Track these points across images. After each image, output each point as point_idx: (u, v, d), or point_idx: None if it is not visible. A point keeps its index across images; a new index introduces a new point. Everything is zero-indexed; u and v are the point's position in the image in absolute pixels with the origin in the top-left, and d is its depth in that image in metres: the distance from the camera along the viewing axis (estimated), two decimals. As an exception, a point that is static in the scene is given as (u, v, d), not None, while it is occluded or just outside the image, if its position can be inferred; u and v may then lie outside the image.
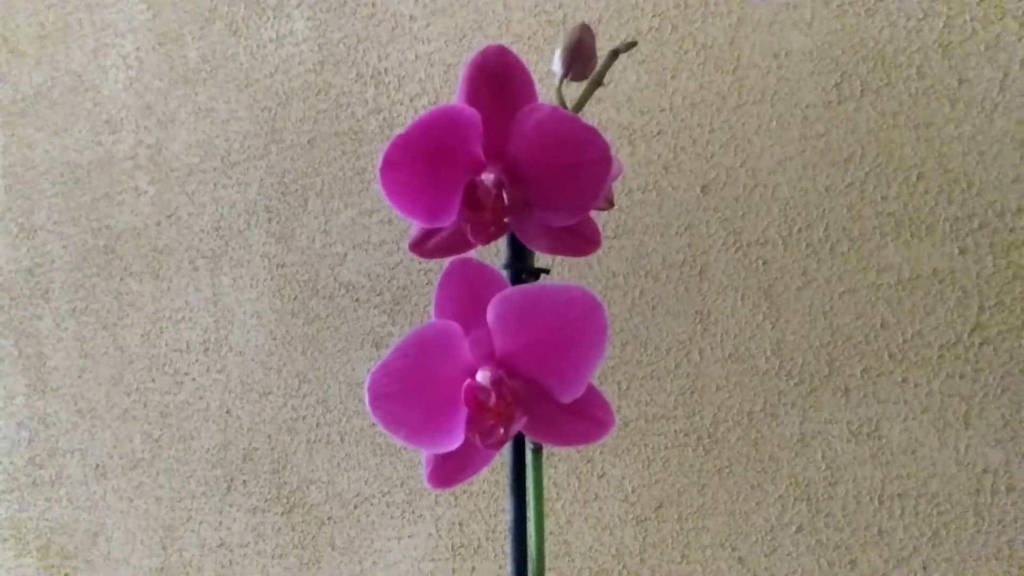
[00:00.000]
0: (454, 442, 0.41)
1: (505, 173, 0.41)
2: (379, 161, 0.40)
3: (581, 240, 0.43)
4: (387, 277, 0.92)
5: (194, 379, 0.99)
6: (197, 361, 0.99)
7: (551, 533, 0.87)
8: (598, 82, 0.44)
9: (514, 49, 0.89)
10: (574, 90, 0.50)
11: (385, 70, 0.92)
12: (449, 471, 0.43)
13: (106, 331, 1.02)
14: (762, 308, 0.81)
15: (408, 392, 0.41)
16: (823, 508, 0.80)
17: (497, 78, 0.41)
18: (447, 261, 0.42)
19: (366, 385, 0.41)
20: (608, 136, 0.85)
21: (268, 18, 0.96)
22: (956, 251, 0.76)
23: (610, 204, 0.48)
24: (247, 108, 0.97)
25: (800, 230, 0.80)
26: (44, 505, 1.05)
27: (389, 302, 0.92)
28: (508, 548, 0.45)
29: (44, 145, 1.05)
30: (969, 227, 0.76)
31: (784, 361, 0.81)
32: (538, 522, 0.44)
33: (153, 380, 1.00)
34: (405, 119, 0.92)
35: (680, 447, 0.84)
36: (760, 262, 0.81)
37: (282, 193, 0.96)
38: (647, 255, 0.84)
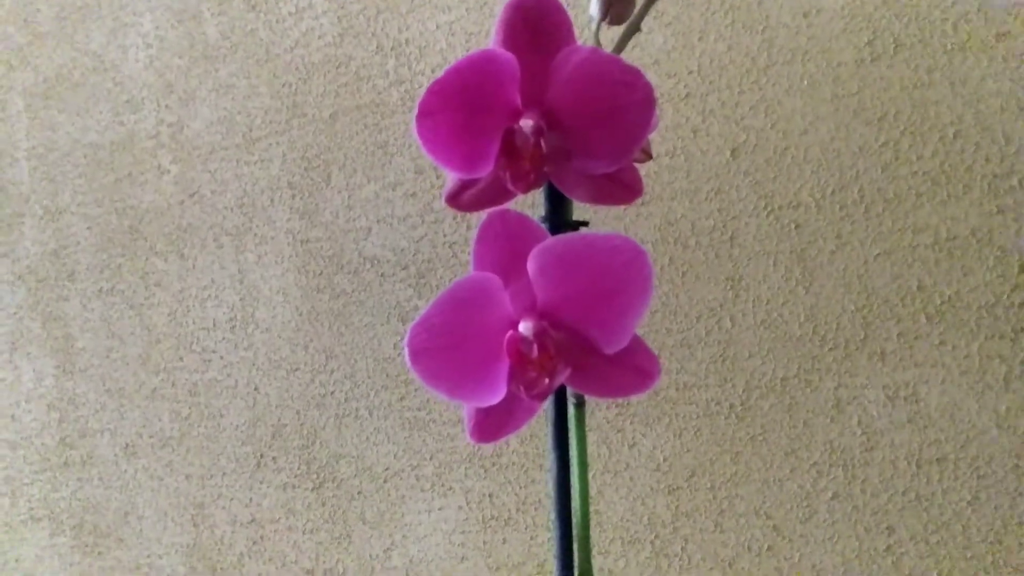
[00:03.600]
0: (497, 395, 0.40)
1: (544, 119, 0.39)
2: (415, 110, 0.39)
3: (622, 188, 0.42)
4: (412, 251, 0.92)
5: (221, 357, 0.99)
6: (224, 339, 0.98)
7: (583, 504, 0.86)
8: (636, 27, 0.43)
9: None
10: (611, 38, 0.49)
11: (406, 41, 0.91)
12: (492, 425, 0.42)
13: (133, 311, 1.02)
14: (795, 273, 0.80)
15: (448, 346, 0.40)
16: (859, 474, 0.79)
17: (535, 20, 0.40)
18: (476, 229, 0.41)
19: (405, 341, 0.40)
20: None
21: (287, -8, 0.96)
22: (995, 210, 0.75)
23: (648, 156, 0.47)
24: (268, 83, 0.96)
25: (833, 192, 0.79)
26: (76, 485, 1.05)
27: (414, 275, 0.92)
28: (551, 504, 0.44)
29: (66, 127, 1.05)
30: (1008, 185, 0.74)
31: (818, 326, 0.79)
32: (582, 477, 0.43)
33: (181, 359, 1.00)
34: (428, 90, 0.91)
35: (712, 415, 0.83)
36: (792, 226, 0.80)
37: (305, 168, 0.95)
38: (676, 221, 0.83)
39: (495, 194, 0.42)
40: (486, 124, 0.40)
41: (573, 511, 0.44)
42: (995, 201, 0.75)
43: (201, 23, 1.00)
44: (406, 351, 0.40)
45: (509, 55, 0.39)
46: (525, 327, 0.39)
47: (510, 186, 0.40)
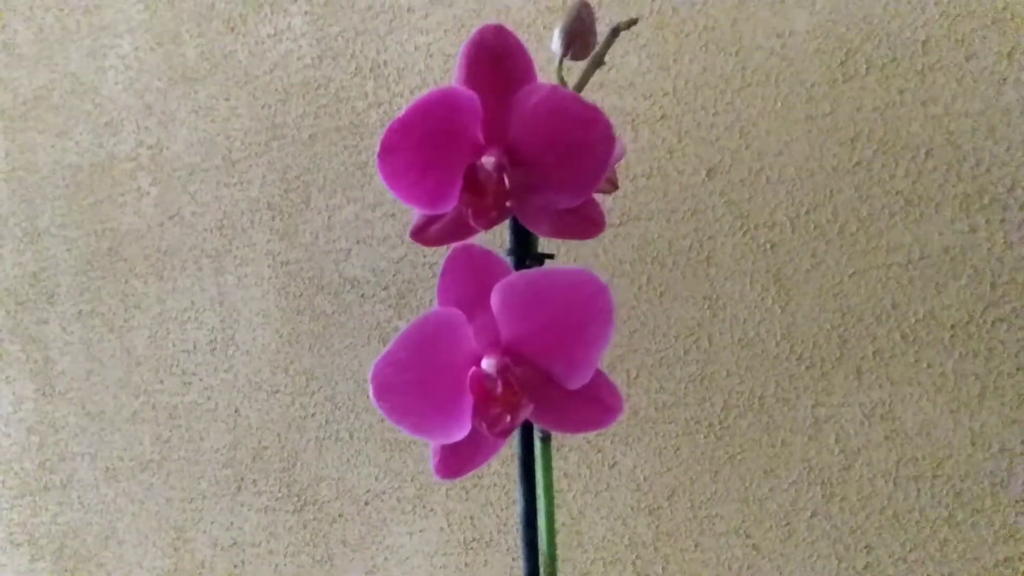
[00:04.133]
0: (461, 432, 0.40)
1: (506, 155, 0.40)
2: (376, 147, 0.39)
3: (585, 222, 0.42)
4: (392, 271, 0.92)
5: (201, 379, 0.98)
6: (204, 361, 0.98)
7: (563, 524, 0.86)
8: (599, 62, 0.44)
9: (514, 37, 0.88)
10: (575, 73, 0.49)
11: (384, 63, 0.92)
12: (457, 461, 0.42)
13: (113, 333, 1.02)
14: (771, 292, 0.80)
15: (413, 382, 0.40)
16: (837, 492, 0.79)
17: (496, 58, 0.40)
18: (450, 249, 0.41)
19: (370, 376, 0.40)
20: (610, 121, 0.84)
21: (265, 14, 0.96)
22: (967, 228, 0.75)
23: (614, 187, 0.48)
24: (247, 105, 0.97)
25: (808, 212, 0.79)
26: (56, 509, 1.05)
27: (395, 296, 0.92)
28: (519, 540, 0.44)
29: (46, 148, 1.05)
30: (979, 204, 0.75)
31: (795, 345, 0.80)
32: (548, 511, 0.43)
33: (161, 381, 1.00)
34: (406, 111, 0.92)
35: (691, 434, 0.83)
36: (768, 245, 0.80)
37: (285, 190, 0.95)
38: (653, 241, 0.83)
39: (460, 229, 0.42)
40: (449, 160, 0.40)
41: (540, 545, 0.44)
42: (967, 220, 0.75)
43: (180, 45, 1.00)
44: (371, 387, 0.40)
45: (470, 93, 0.39)
46: (488, 364, 0.39)
47: (472, 223, 0.40)
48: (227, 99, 0.97)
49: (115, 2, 1.02)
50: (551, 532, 0.43)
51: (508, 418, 0.39)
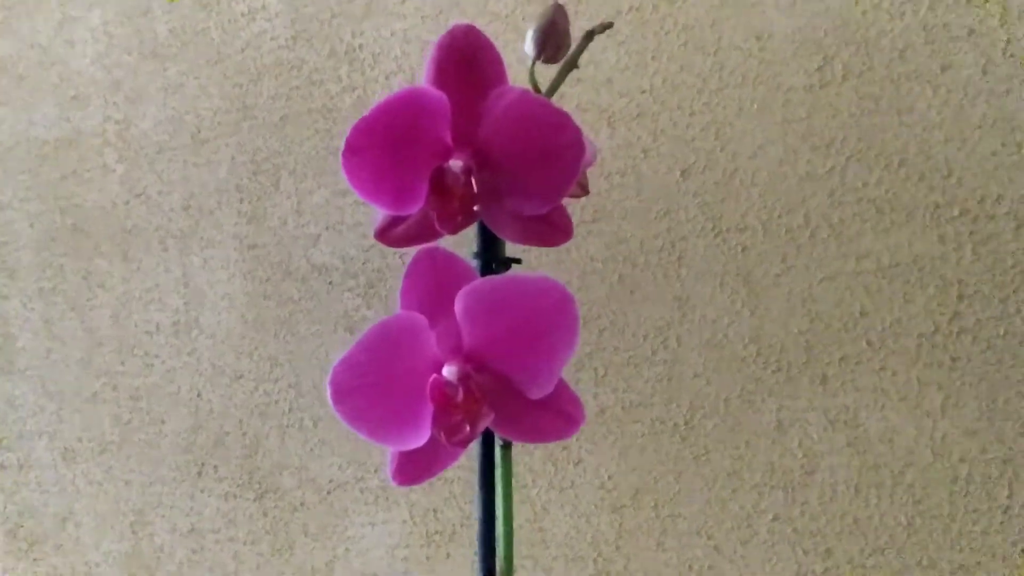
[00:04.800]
0: (420, 439, 0.39)
1: (474, 159, 0.39)
2: (342, 141, 0.38)
3: (552, 229, 0.42)
4: (361, 259, 0.90)
5: (164, 362, 0.97)
6: (167, 343, 0.97)
7: (527, 521, 0.86)
8: (572, 65, 0.43)
9: (491, 27, 0.87)
10: (551, 72, 0.49)
11: (359, 47, 0.90)
12: (415, 468, 0.41)
13: (74, 312, 1.00)
14: (741, 295, 0.80)
15: (372, 387, 0.39)
16: (799, 497, 0.80)
17: (466, 59, 0.39)
18: (415, 252, 0.40)
19: (328, 379, 0.39)
20: (586, 118, 0.83)
21: (240, -8, 0.94)
22: (936, 239, 0.75)
23: (584, 191, 0.47)
24: (218, 84, 0.95)
25: (780, 216, 0.79)
26: (12, 488, 1.03)
27: (363, 285, 0.90)
28: (476, 541, 0.44)
29: (9, 121, 1.02)
30: (949, 214, 0.75)
31: (762, 348, 0.80)
32: (506, 519, 0.43)
33: (122, 362, 0.98)
34: (380, 97, 0.90)
35: (657, 434, 0.83)
36: (739, 248, 0.80)
37: (254, 172, 0.94)
38: (625, 240, 0.83)
39: (425, 231, 0.41)
40: (415, 162, 0.39)
41: (497, 555, 0.43)
42: (937, 230, 0.75)
43: (151, 20, 0.97)
44: (328, 390, 0.40)
45: (439, 93, 0.38)
46: (450, 371, 0.39)
47: (438, 227, 0.39)
48: (197, 77, 0.95)
49: (85, -28, 0.99)
50: (509, 540, 0.42)
51: (468, 427, 0.38)
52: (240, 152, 0.94)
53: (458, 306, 0.39)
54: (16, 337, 1.03)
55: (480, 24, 0.86)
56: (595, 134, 0.82)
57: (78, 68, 1.00)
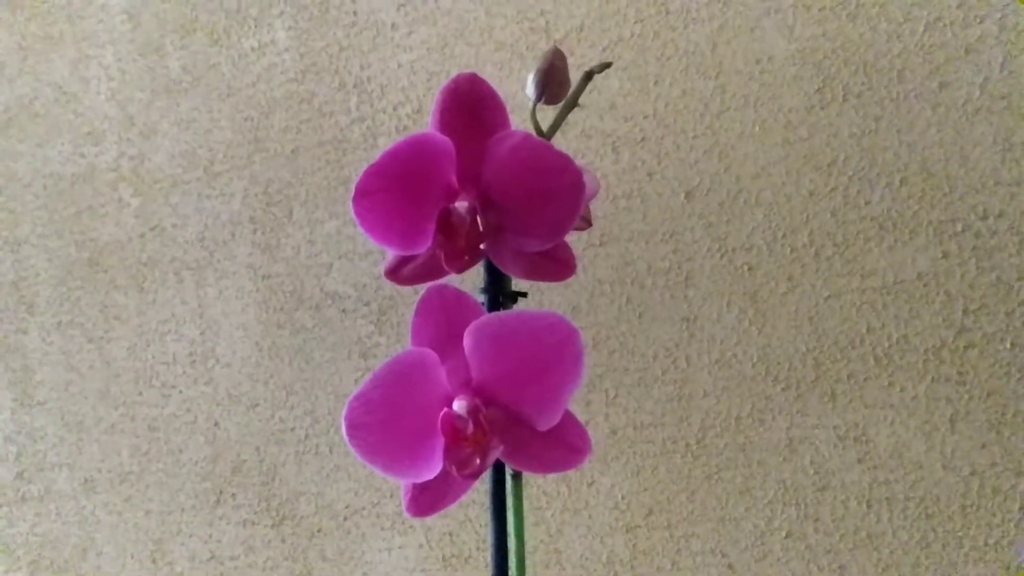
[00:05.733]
0: (432, 471, 0.41)
1: (479, 199, 0.40)
2: (351, 191, 0.40)
3: (556, 265, 0.43)
4: (373, 287, 0.92)
5: (181, 391, 0.98)
6: (184, 373, 0.98)
7: (541, 543, 0.87)
8: (572, 105, 0.44)
9: (496, 56, 0.89)
10: (552, 111, 0.50)
11: (368, 79, 0.92)
12: (428, 500, 0.42)
13: (92, 344, 1.02)
14: (748, 314, 0.81)
15: (384, 421, 0.41)
16: (811, 513, 0.80)
17: (470, 105, 0.40)
18: (424, 290, 0.41)
19: (343, 415, 0.41)
20: (591, 143, 0.85)
21: (249, 27, 0.96)
22: (940, 255, 0.76)
23: (588, 224, 0.48)
24: (229, 118, 0.97)
25: (784, 235, 0.80)
26: (33, 520, 1.04)
27: (376, 312, 0.92)
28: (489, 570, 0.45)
29: (27, 158, 1.05)
30: (952, 231, 0.76)
31: (771, 367, 0.81)
32: (518, 547, 0.44)
33: (140, 393, 1.00)
34: (388, 128, 0.92)
35: (668, 454, 0.84)
36: (745, 268, 0.81)
37: (266, 203, 0.95)
38: (632, 262, 0.84)
39: (433, 269, 0.43)
40: (423, 204, 0.41)
41: (510, 580, 0.44)
42: (940, 246, 0.76)
43: (164, 57, 1.00)
44: (343, 425, 0.41)
45: (445, 138, 0.40)
46: (459, 405, 0.40)
47: (445, 266, 0.40)
48: (210, 112, 0.97)
49: (98, 12, 1.01)
50: (521, 567, 0.43)
51: (478, 460, 0.39)
52: (253, 184, 0.96)
53: (467, 342, 0.40)
54: (35, 370, 1.04)
55: (485, 52, 0.88)
56: (600, 159, 0.83)
57: (93, 105, 1.02)
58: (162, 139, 0.99)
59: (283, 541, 0.95)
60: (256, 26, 0.95)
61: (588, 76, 0.44)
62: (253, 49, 0.96)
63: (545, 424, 0.41)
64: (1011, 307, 0.75)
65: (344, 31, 0.92)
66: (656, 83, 0.83)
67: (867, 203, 0.78)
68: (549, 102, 0.44)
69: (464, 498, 0.89)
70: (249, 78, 0.96)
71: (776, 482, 0.81)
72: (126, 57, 1.01)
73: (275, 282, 0.95)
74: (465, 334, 0.40)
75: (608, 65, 0.44)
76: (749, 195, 0.81)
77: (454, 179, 0.41)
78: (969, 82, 0.75)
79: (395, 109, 0.92)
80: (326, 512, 0.94)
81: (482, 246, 0.40)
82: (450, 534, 0.90)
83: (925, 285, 0.77)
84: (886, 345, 0.78)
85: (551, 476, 0.87)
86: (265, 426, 0.96)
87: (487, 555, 0.89)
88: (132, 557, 1.01)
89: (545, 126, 0.45)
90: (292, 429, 0.95)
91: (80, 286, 1.02)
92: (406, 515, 0.41)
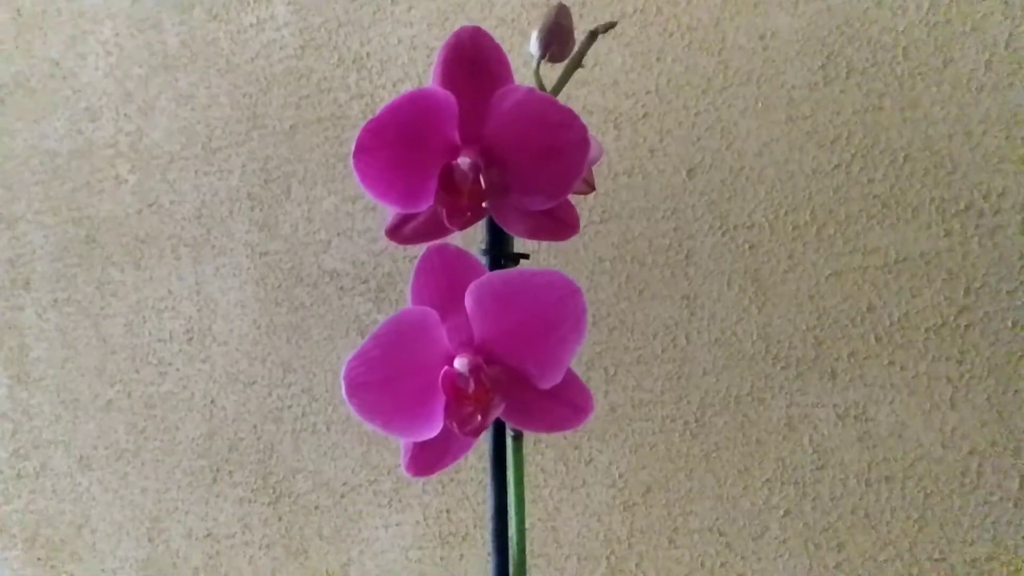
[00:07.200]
0: (432, 430, 0.40)
1: (481, 156, 0.40)
2: (351, 147, 0.39)
3: (559, 224, 0.42)
4: (372, 264, 0.91)
5: (178, 369, 0.98)
6: (181, 351, 0.98)
7: (539, 520, 0.86)
8: (577, 64, 0.44)
9: (497, 32, 0.88)
10: (556, 72, 0.49)
11: (367, 54, 0.91)
12: (428, 459, 0.42)
13: (88, 321, 1.01)
14: (748, 292, 0.81)
15: (384, 380, 0.40)
16: (810, 492, 0.80)
17: (472, 60, 0.40)
18: (424, 249, 0.41)
19: (342, 374, 0.40)
20: (593, 119, 0.84)
21: (248, 2, 0.95)
22: (942, 233, 0.76)
23: (590, 188, 0.48)
24: (228, 94, 0.96)
25: (786, 213, 0.79)
26: (29, 497, 1.04)
27: (374, 289, 0.91)
28: (488, 535, 0.44)
29: (23, 134, 1.04)
30: (955, 209, 0.76)
31: (771, 345, 0.80)
32: (518, 509, 0.43)
33: (137, 370, 0.99)
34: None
35: (667, 432, 0.84)
36: (746, 246, 0.81)
37: (264, 180, 0.95)
38: (633, 239, 0.83)
39: (435, 228, 0.42)
40: (424, 160, 0.40)
41: (510, 544, 0.44)
42: (942, 224, 0.76)
43: (161, 32, 0.99)
44: (343, 385, 0.40)
45: (447, 93, 0.39)
46: (461, 363, 0.39)
47: (447, 223, 0.40)
48: (208, 87, 0.97)
49: (96, -13, 1.01)
50: (521, 530, 0.43)
51: (479, 417, 0.39)
52: (251, 161, 0.95)
53: (468, 300, 0.40)
54: (31, 347, 1.04)
55: (486, 27, 0.87)
56: (602, 135, 0.83)
57: (90, 81, 1.01)
58: (160, 115, 0.99)
59: (280, 519, 0.95)
60: (255, 1, 0.95)
61: (593, 35, 0.43)
62: (252, 25, 0.95)
63: (547, 382, 0.40)
64: (1013, 286, 0.75)
65: (343, 6, 0.92)
66: (659, 59, 0.82)
67: (870, 181, 0.77)
68: (553, 59, 0.44)
69: (462, 475, 0.89)
70: (248, 54, 0.95)
71: (775, 460, 0.81)
72: (123, 32, 1.00)
73: (273, 259, 0.95)
74: (467, 292, 0.40)
75: (613, 25, 0.44)
76: (751, 172, 0.80)
77: (456, 135, 0.40)
78: (973, 59, 0.74)
79: (395, 85, 0.91)
80: (323, 490, 0.93)
81: (484, 204, 0.40)
82: (447, 511, 0.89)
83: (927, 263, 0.76)
84: (887, 324, 0.78)
85: (549, 453, 0.86)
86: (262, 404, 0.95)
87: (484, 532, 0.88)
88: (128, 534, 1.00)
89: (549, 88, 0.44)
90: (289, 407, 0.94)
91: (77, 263, 1.02)
92: (407, 474, 0.41)
